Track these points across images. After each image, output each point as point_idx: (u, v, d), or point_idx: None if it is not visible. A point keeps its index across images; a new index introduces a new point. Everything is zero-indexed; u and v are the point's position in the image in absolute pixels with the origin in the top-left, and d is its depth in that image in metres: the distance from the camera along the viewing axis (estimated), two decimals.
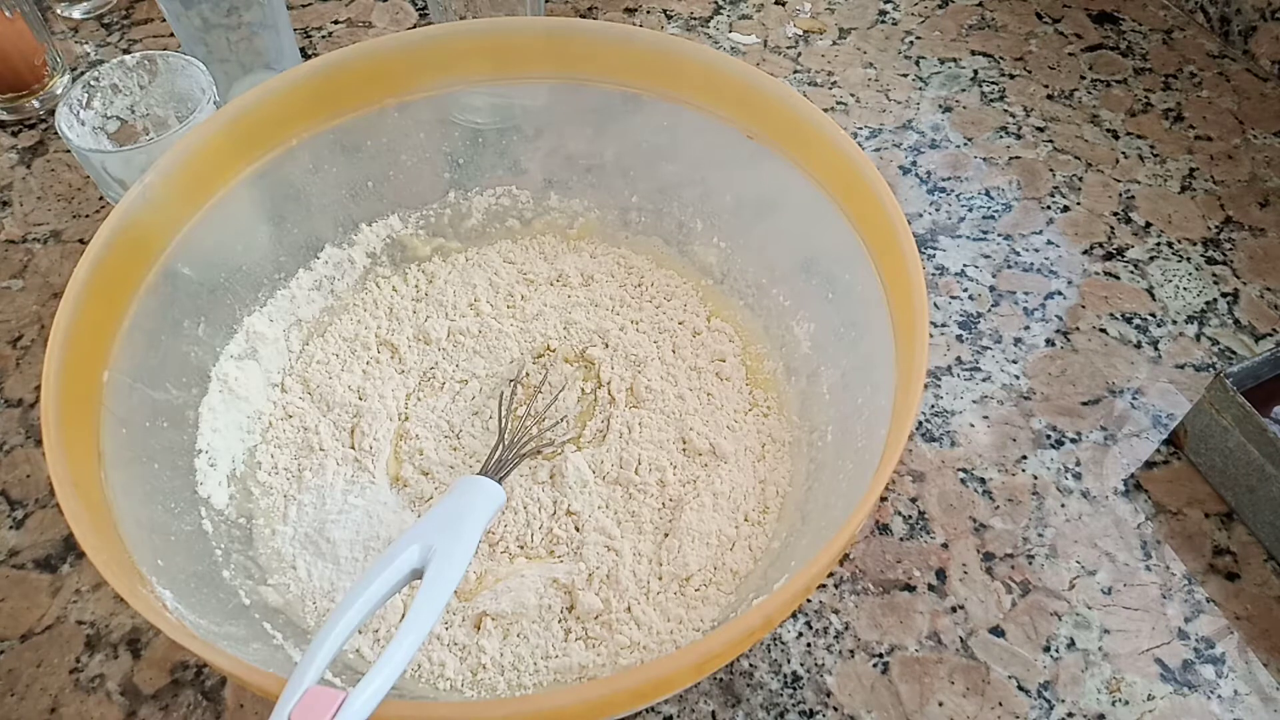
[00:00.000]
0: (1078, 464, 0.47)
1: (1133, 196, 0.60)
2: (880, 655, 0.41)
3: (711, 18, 0.73)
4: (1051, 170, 0.62)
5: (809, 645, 0.41)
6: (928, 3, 0.74)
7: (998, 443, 0.48)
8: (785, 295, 0.49)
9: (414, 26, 0.72)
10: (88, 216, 0.59)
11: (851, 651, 0.41)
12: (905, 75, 0.68)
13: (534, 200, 0.54)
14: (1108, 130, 0.64)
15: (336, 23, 0.73)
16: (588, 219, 0.54)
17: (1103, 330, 0.53)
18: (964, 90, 0.67)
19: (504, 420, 0.45)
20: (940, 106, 0.66)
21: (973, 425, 0.49)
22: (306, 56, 0.68)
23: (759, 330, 0.50)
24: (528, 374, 0.49)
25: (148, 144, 0.48)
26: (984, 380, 0.51)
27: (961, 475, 0.47)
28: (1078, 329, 0.53)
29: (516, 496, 0.44)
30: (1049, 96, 0.66)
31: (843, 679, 0.40)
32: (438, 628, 0.40)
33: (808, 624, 0.42)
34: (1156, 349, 0.52)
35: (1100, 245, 0.57)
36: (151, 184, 0.41)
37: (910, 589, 0.43)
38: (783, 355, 0.49)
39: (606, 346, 0.50)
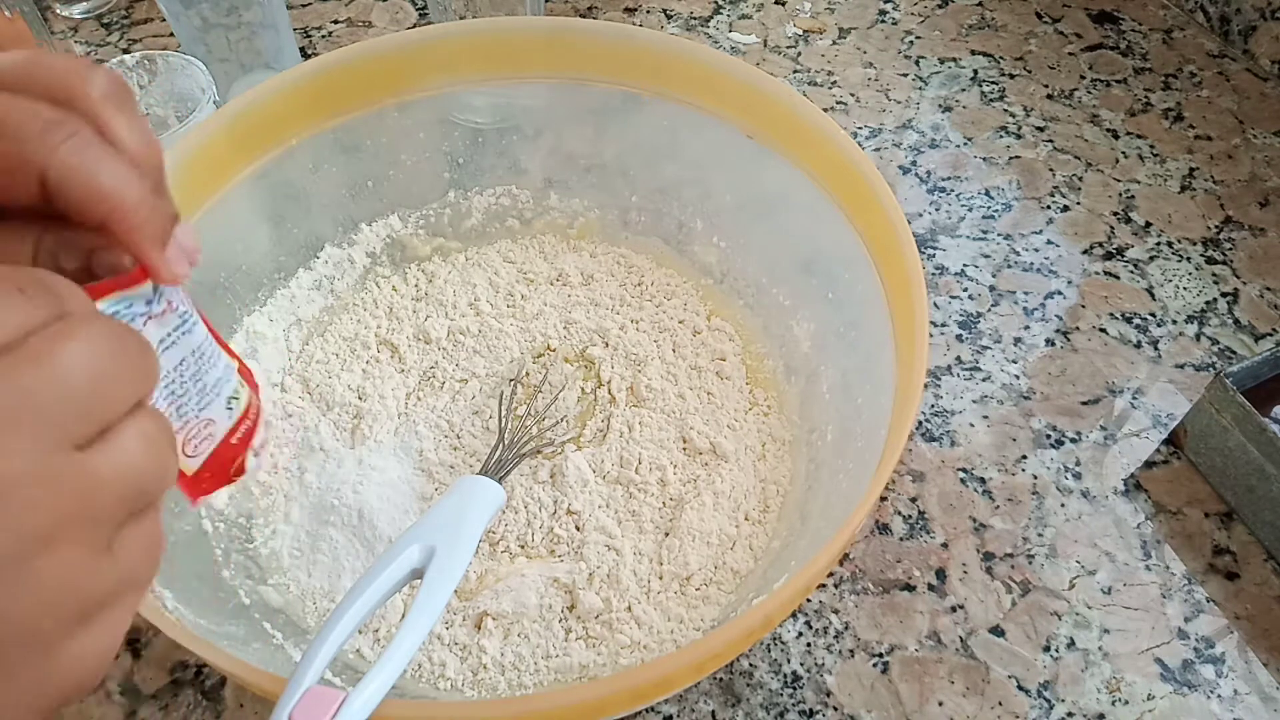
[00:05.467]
0: (1078, 464, 0.47)
1: (1133, 196, 0.60)
2: (880, 655, 0.41)
3: (711, 17, 0.73)
4: (1051, 170, 0.62)
5: (809, 645, 0.41)
6: (928, 3, 0.74)
7: (998, 442, 0.48)
8: (785, 295, 0.49)
9: (414, 26, 0.72)
10: None
11: (851, 651, 0.41)
12: (905, 75, 0.68)
13: (534, 200, 0.54)
14: (1108, 130, 0.64)
15: (336, 23, 0.73)
16: (588, 219, 0.54)
17: (1103, 330, 0.53)
18: (964, 90, 0.67)
19: (504, 420, 0.45)
20: (940, 106, 0.66)
21: (973, 425, 0.49)
22: (306, 56, 0.68)
23: (759, 330, 0.50)
24: (528, 373, 0.49)
25: None
26: (984, 380, 0.51)
27: (961, 475, 0.47)
28: (1078, 329, 0.53)
29: (517, 496, 0.44)
30: (1049, 96, 0.66)
31: (843, 679, 0.40)
32: (438, 627, 0.40)
33: (808, 624, 0.42)
34: (1156, 349, 0.52)
35: (1100, 245, 0.57)
36: None
37: (910, 589, 0.43)
38: (783, 355, 0.49)
39: (607, 346, 0.50)
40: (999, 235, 0.58)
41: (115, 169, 0.23)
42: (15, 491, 0.18)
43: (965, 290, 0.55)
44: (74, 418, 0.19)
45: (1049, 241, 0.57)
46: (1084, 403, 0.50)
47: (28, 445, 0.18)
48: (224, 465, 0.26)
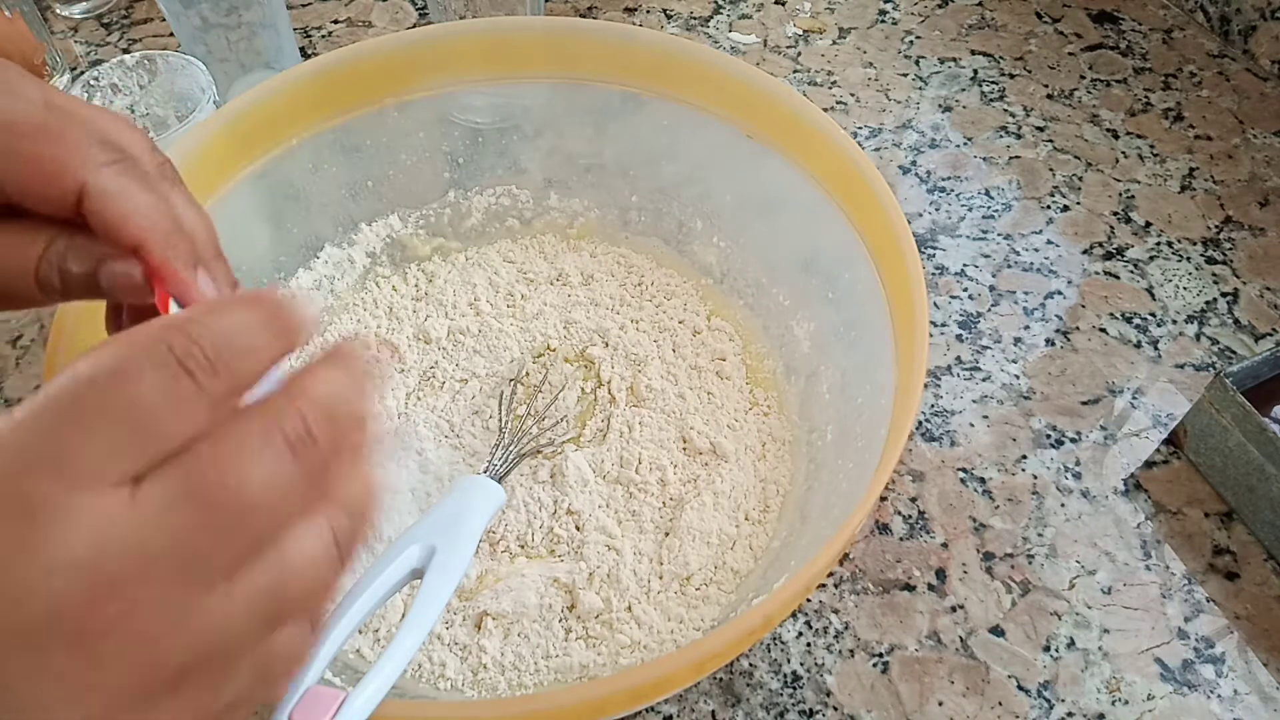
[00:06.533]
0: (1078, 464, 0.47)
1: (1133, 196, 0.60)
2: (880, 655, 0.41)
3: (711, 17, 0.73)
4: (1051, 170, 0.62)
5: (809, 645, 0.41)
6: (928, 2, 0.74)
7: (998, 442, 0.48)
8: (785, 295, 0.49)
9: (414, 26, 0.72)
10: None
11: (851, 651, 0.41)
12: (905, 75, 0.68)
13: (534, 200, 0.54)
14: (1108, 130, 0.64)
15: (336, 23, 0.73)
16: (588, 219, 0.54)
17: (1103, 330, 0.53)
18: (964, 90, 0.67)
19: (504, 420, 0.45)
20: (940, 106, 0.66)
21: (973, 425, 0.49)
22: (306, 56, 0.68)
23: (759, 329, 0.50)
24: (528, 373, 0.49)
25: None
26: (984, 380, 0.51)
27: (961, 475, 0.47)
28: (1078, 329, 0.53)
29: (517, 496, 0.44)
30: (1049, 96, 0.66)
31: (843, 679, 0.40)
32: (438, 627, 0.40)
33: (808, 624, 0.42)
34: (1156, 349, 0.52)
35: (1100, 245, 0.57)
36: None
37: (910, 589, 0.43)
38: (783, 355, 0.49)
39: (606, 345, 0.50)
40: (999, 235, 0.58)
41: (156, 201, 0.22)
42: (151, 645, 0.17)
43: (965, 290, 0.55)
44: (231, 556, 0.18)
45: (1049, 241, 0.57)
46: (1084, 403, 0.50)
47: (173, 592, 0.17)
48: None
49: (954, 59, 0.69)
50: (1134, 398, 0.50)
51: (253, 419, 0.18)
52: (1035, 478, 0.47)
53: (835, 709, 0.40)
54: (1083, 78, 0.68)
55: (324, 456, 0.19)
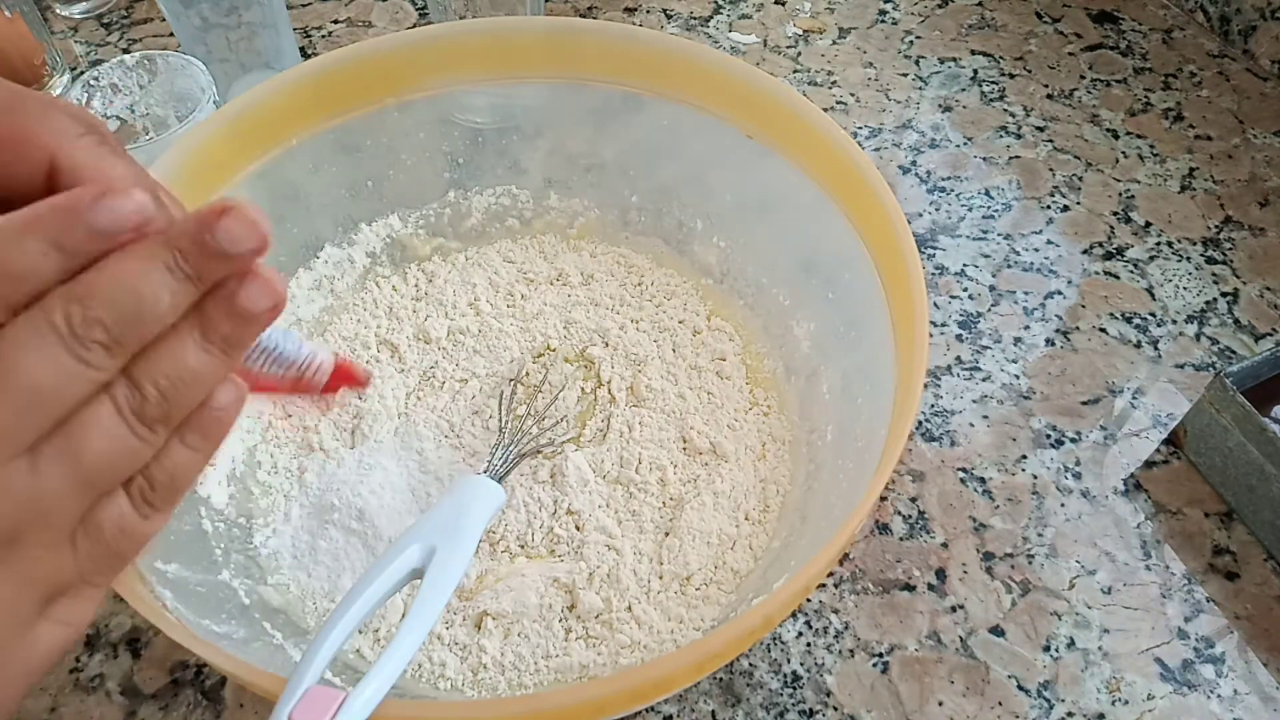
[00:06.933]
0: (1078, 464, 0.47)
1: (1133, 196, 0.60)
2: (880, 655, 0.41)
3: (711, 17, 0.73)
4: (1051, 170, 0.62)
5: (809, 645, 0.41)
6: (928, 2, 0.74)
7: (998, 442, 0.48)
8: (785, 295, 0.49)
9: (414, 26, 0.72)
10: None
11: (851, 651, 0.41)
12: (905, 75, 0.68)
13: (534, 200, 0.54)
14: (1108, 130, 0.64)
15: (336, 23, 0.73)
16: (588, 219, 0.54)
17: (1103, 330, 0.53)
18: (964, 90, 0.67)
19: (504, 419, 0.45)
20: (940, 106, 0.66)
21: (973, 425, 0.49)
22: (306, 56, 0.68)
23: (759, 329, 0.50)
24: (528, 373, 0.49)
25: (147, 144, 0.48)
26: (984, 380, 0.51)
27: (961, 475, 0.47)
28: (1077, 328, 0.53)
29: (517, 496, 0.44)
30: (1049, 96, 0.66)
31: (843, 678, 0.40)
32: (438, 627, 0.40)
33: (808, 623, 0.42)
34: (1156, 349, 0.52)
35: (1100, 245, 0.57)
36: None
37: (910, 589, 0.43)
38: (783, 355, 0.49)
39: (606, 345, 0.50)
40: (999, 235, 0.58)
41: (134, 171, 0.22)
42: None
43: (965, 290, 0.55)
44: (25, 433, 0.19)
45: (1049, 241, 0.57)
46: (1084, 403, 0.50)
47: None
48: (343, 373, 0.33)
49: (954, 59, 0.69)
50: (1134, 398, 0.50)
51: (34, 313, 0.19)
52: (1035, 478, 0.47)
53: (835, 709, 0.40)
54: (1083, 78, 0.68)
55: (108, 342, 0.20)
